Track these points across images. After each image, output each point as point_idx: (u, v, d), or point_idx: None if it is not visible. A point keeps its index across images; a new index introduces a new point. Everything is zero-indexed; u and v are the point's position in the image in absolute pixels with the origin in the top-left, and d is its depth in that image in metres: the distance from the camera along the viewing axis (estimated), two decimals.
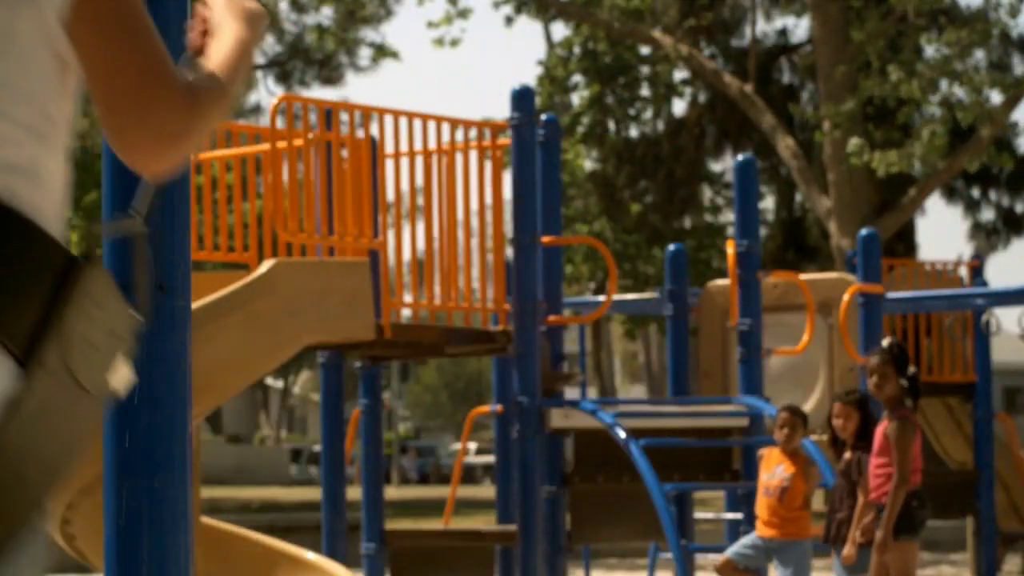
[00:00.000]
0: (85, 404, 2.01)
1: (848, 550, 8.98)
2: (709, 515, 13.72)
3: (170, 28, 3.15)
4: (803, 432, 9.48)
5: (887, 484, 9.08)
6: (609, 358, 43.05)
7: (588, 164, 30.68)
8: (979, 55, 22.41)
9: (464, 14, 23.78)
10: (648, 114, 31.49)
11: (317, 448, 41.02)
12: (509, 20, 26.40)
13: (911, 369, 8.99)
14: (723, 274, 15.74)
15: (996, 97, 21.80)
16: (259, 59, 33.79)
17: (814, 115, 24.31)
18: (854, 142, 21.26)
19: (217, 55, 2.22)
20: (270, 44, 33.46)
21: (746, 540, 9.57)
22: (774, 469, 9.45)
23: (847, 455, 9.15)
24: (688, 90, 31.40)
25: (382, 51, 30.97)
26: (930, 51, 23.29)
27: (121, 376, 2.07)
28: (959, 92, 21.49)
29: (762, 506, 9.47)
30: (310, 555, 9.07)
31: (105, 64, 2.07)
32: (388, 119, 9.34)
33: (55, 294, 1.98)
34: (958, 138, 24.23)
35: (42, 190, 2.03)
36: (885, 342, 9.21)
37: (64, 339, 1.98)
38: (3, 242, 1.96)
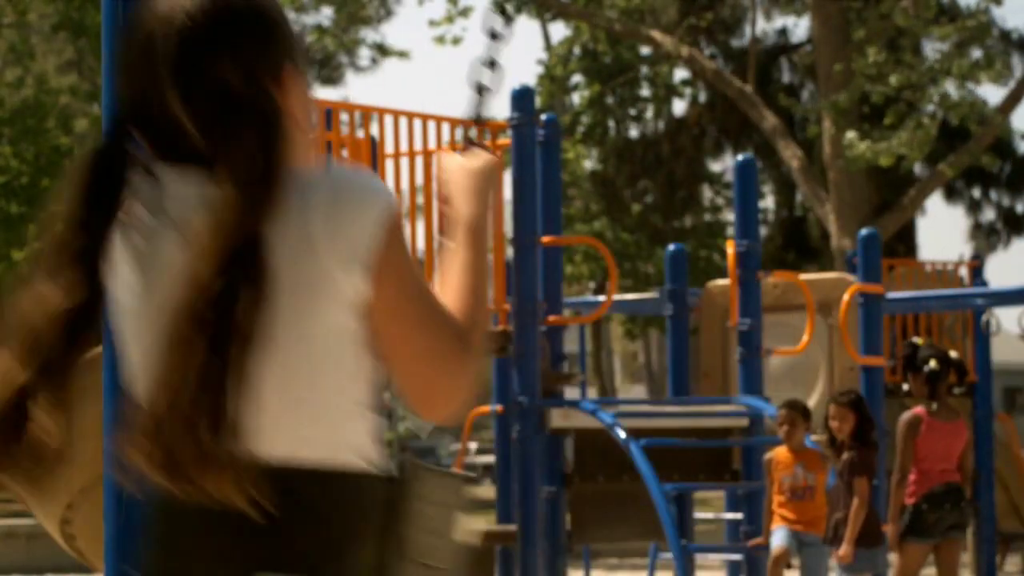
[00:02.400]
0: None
1: (844, 550, 8.99)
2: (709, 515, 13.72)
3: None
4: (805, 425, 9.47)
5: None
6: (609, 358, 43.04)
7: (588, 164, 30.67)
8: (978, 54, 22.36)
9: (465, 13, 23.78)
10: (648, 114, 31.48)
11: None
12: (509, 20, 26.39)
13: (930, 365, 9.06)
14: (723, 274, 15.73)
15: (993, 96, 21.81)
16: None
17: (811, 108, 24.31)
18: (849, 136, 21.26)
19: (458, 285, 2.40)
20: None
21: (784, 534, 9.51)
22: (794, 470, 9.45)
23: (844, 456, 9.16)
24: (688, 90, 31.40)
25: (386, 51, 30.97)
26: (929, 51, 23.29)
27: (465, 530, 2.37)
28: (953, 92, 21.46)
29: (790, 508, 9.45)
30: None
31: (401, 350, 2.29)
32: (388, 119, 9.34)
33: (386, 524, 2.28)
34: (957, 139, 24.23)
35: (345, 444, 2.28)
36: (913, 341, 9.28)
37: (408, 549, 2.29)
38: (329, 506, 2.22)
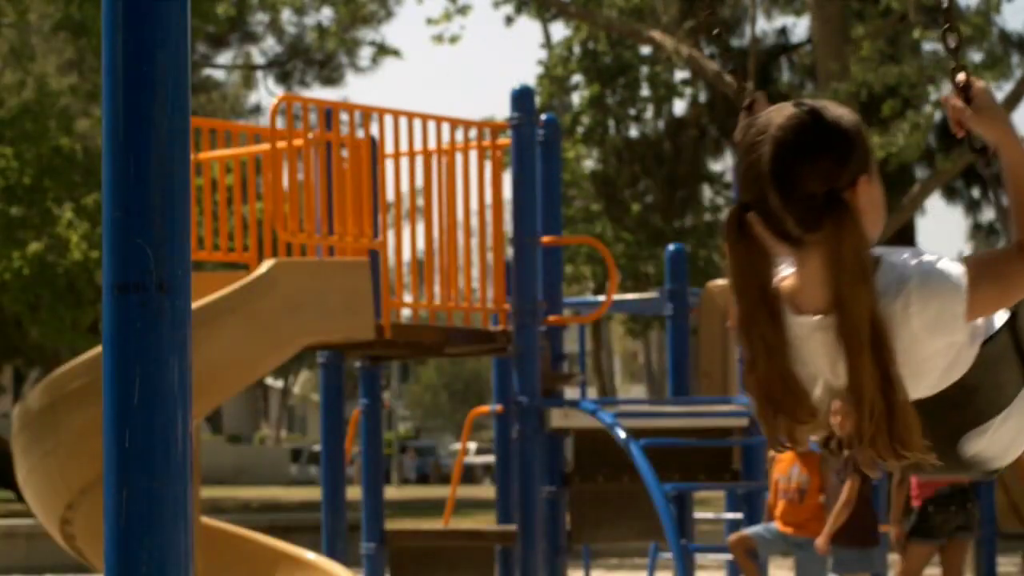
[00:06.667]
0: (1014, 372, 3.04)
1: (820, 540, 9.01)
2: (709, 515, 13.72)
3: (170, 29, 3.15)
4: None
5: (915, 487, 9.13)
6: (609, 358, 43.05)
7: (588, 164, 30.67)
8: (978, 56, 22.37)
9: (463, 11, 23.79)
10: (648, 114, 31.49)
11: (317, 448, 41.03)
12: (509, 20, 26.40)
13: None
14: (723, 274, 15.72)
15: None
16: (259, 59, 33.80)
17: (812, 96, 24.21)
18: None
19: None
20: (270, 44, 33.45)
21: (769, 526, 9.55)
22: (789, 471, 9.46)
23: (846, 454, 9.19)
24: (688, 90, 31.40)
25: (384, 50, 30.95)
26: (928, 50, 23.29)
27: None
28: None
29: (780, 507, 9.47)
30: (310, 555, 9.08)
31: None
32: (388, 119, 9.35)
33: None
34: (955, 139, 24.21)
35: None
36: None
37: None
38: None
